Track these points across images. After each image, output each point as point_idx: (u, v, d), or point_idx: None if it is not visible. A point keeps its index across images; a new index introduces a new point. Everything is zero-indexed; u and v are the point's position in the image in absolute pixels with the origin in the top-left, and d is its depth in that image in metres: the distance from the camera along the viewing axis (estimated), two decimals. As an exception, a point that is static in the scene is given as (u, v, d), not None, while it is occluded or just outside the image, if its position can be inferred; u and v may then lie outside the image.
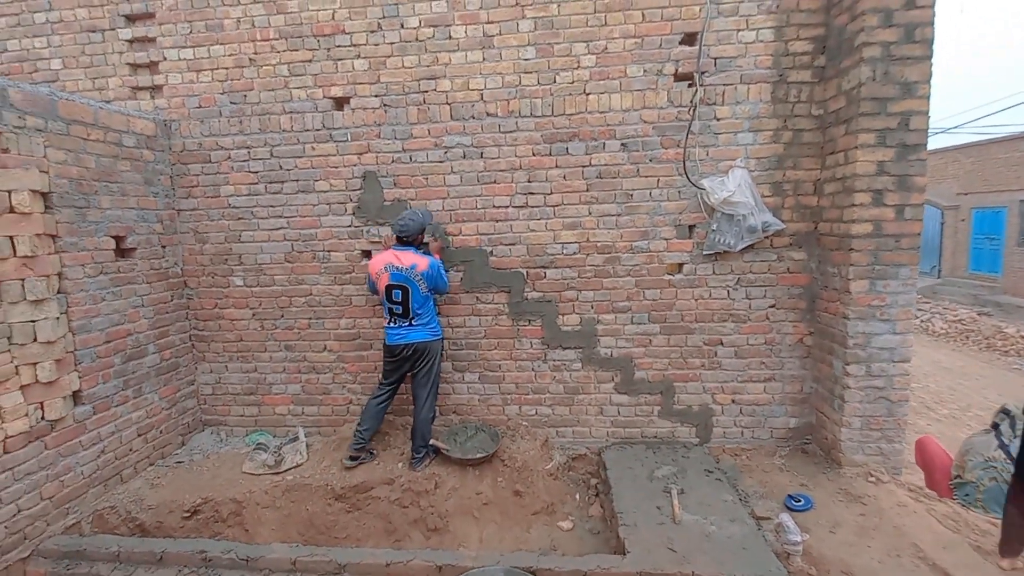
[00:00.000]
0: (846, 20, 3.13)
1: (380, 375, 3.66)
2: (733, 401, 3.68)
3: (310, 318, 3.95)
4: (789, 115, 3.41)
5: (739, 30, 3.38)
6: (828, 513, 2.99)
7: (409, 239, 3.37)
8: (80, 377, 3.13)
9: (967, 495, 3.09)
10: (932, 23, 2.97)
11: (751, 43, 3.39)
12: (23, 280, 2.80)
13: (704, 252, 3.54)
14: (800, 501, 3.03)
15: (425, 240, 3.56)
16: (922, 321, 10.83)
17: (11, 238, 2.75)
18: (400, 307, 3.35)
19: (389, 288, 3.33)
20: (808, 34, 3.35)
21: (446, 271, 3.52)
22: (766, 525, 2.89)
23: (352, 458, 3.51)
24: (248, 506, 3.35)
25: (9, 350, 2.76)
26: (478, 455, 3.50)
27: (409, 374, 3.55)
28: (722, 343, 3.63)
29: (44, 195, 2.93)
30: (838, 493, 3.15)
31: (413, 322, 3.39)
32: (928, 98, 3.02)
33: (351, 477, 3.47)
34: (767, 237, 3.46)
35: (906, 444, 3.37)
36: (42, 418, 2.92)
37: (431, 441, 3.58)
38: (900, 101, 3.02)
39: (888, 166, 3.06)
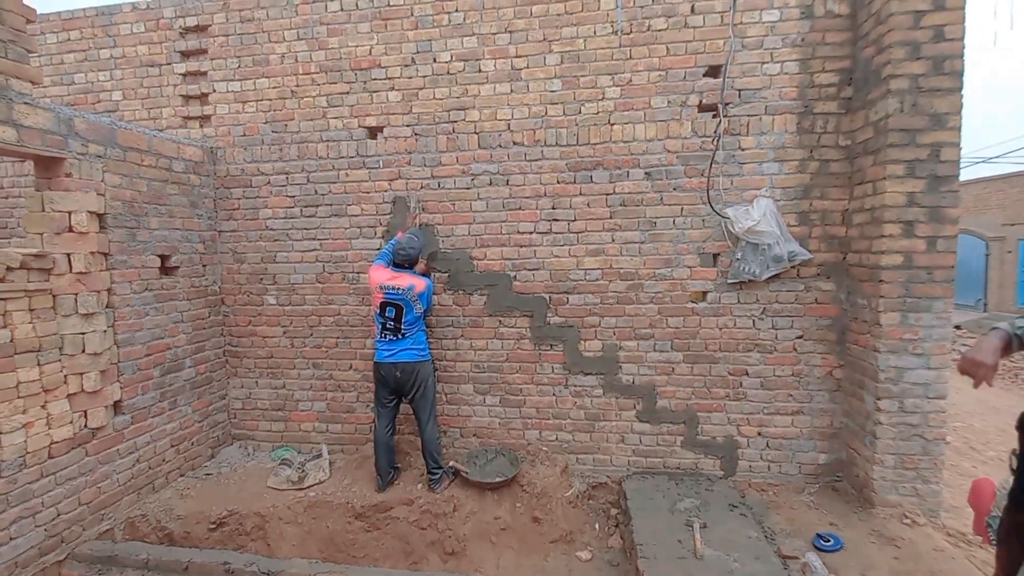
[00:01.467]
0: (873, 52, 3.14)
1: (376, 403, 3.62)
2: (759, 434, 3.59)
3: (338, 337, 4.07)
4: (815, 145, 3.41)
5: (763, 63, 3.42)
6: (859, 555, 2.86)
7: (410, 264, 3.49)
8: (121, 388, 3.30)
9: (992, 534, 2.92)
10: (961, 55, 2.95)
11: (776, 75, 3.42)
12: (76, 295, 2.99)
13: (729, 281, 3.52)
14: (829, 541, 2.91)
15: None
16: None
17: (68, 255, 2.96)
18: (393, 323, 3.44)
19: (384, 305, 3.43)
20: (834, 66, 3.37)
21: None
22: (792, 565, 2.79)
23: (380, 491, 3.56)
24: (271, 520, 3.42)
25: (60, 360, 2.94)
26: (497, 479, 3.50)
27: (408, 400, 3.58)
28: (747, 373, 3.57)
29: (100, 216, 3.16)
30: (870, 534, 3.02)
31: (403, 336, 3.45)
32: (959, 129, 2.98)
33: (371, 496, 3.52)
34: (794, 267, 3.42)
35: (944, 485, 3.22)
36: (85, 426, 3.08)
37: (451, 463, 3.60)
38: (930, 132, 2.99)
39: (919, 197, 3.01)
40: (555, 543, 3.36)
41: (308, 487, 3.66)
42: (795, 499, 3.44)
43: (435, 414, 3.61)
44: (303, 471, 3.76)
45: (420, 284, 3.43)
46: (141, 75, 4.20)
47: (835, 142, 3.40)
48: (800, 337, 3.50)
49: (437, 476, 3.52)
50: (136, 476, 3.43)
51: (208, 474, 3.90)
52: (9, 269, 2.68)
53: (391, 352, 3.47)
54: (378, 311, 3.48)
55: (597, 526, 3.50)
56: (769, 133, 3.44)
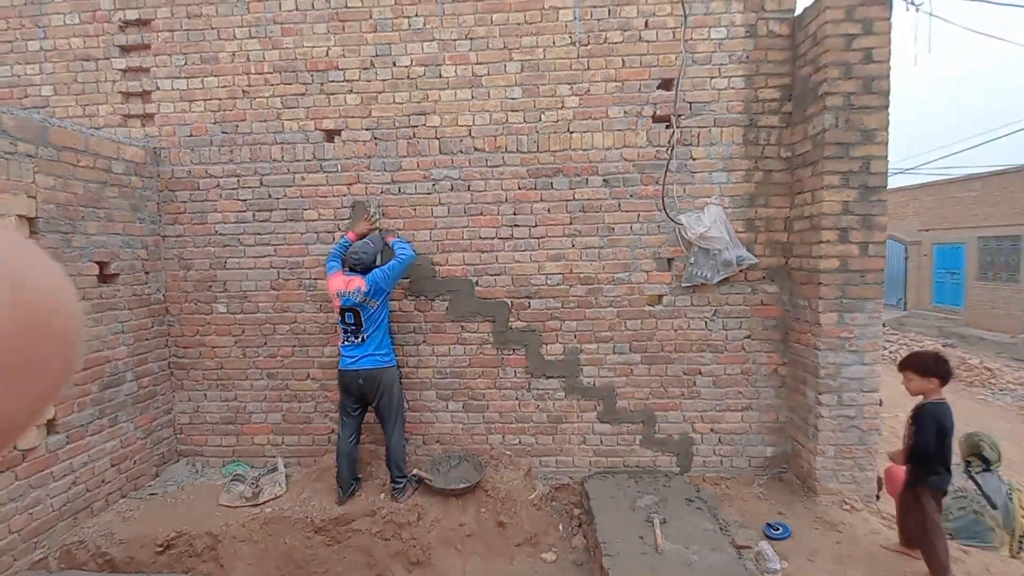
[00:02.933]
0: (810, 71, 3.38)
1: (341, 411, 3.57)
2: (712, 430, 3.76)
3: (294, 346, 3.94)
4: (760, 156, 3.63)
5: (712, 77, 3.61)
6: (805, 541, 3.05)
7: (363, 270, 3.42)
8: (55, 406, 3.06)
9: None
10: (887, 76, 3.23)
11: (723, 89, 3.61)
12: (3, 305, 2.76)
13: (683, 284, 3.68)
14: (778, 530, 3.09)
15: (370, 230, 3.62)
16: (890, 352, 11.18)
17: (-6, 263, 2.72)
18: (353, 327, 3.40)
19: (343, 311, 3.40)
20: (776, 83, 3.60)
21: (404, 240, 3.58)
22: (746, 554, 2.94)
23: (341, 504, 3.45)
24: (224, 540, 3.27)
25: (-16, 377, 2.70)
26: (461, 485, 3.49)
27: (373, 408, 3.53)
28: (701, 373, 3.74)
29: (31, 220, 2.93)
30: (814, 521, 3.23)
31: (364, 341, 3.39)
32: (886, 144, 3.26)
33: (332, 509, 3.42)
34: (741, 271, 3.62)
35: (877, 472, 3.48)
36: (14, 448, 2.84)
37: (414, 471, 3.57)
38: (861, 146, 3.25)
39: (852, 206, 3.26)
40: (520, 546, 3.38)
41: (263, 503, 3.52)
42: (746, 491, 3.62)
43: (401, 422, 3.56)
44: (257, 486, 3.61)
45: (362, 283, 3.33)
46: (75, 69, 3.93)
47: (777, 154, 3.63)
48: (748, 337, 3.70)
49: (401, 485, 3.47)
50: (72, 500, 3.19)
51: (153, 494, 3.67)
52: (-76, 278, 2.44)
53: (353, 359, 3.41)
54: (340, 318, 3.42)
55: (561, 527, 3.55)
56: (718, 144, 3.62)
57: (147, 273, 3.78)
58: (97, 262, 3.36)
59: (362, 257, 3.41)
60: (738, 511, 3.40)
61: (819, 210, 3.28)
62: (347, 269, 3.46)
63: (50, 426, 3.06)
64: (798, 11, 3.58)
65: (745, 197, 3.64)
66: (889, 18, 3.23)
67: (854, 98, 3.24)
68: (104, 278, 3.43)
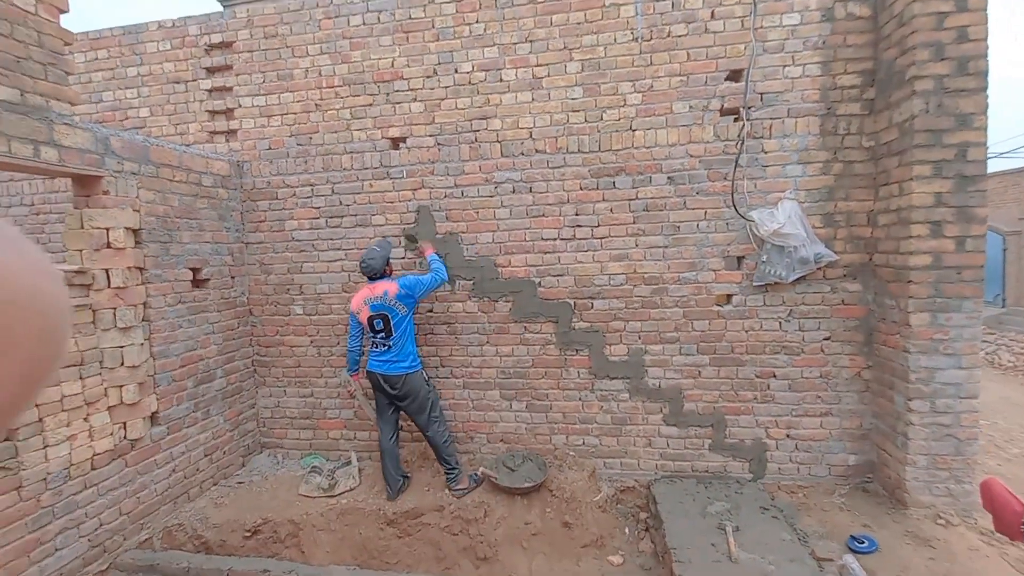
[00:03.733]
0: (895, 54, 3.15)
1: (377, 411, 3.73)
2: (788, 436, 3.59)
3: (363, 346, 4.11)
4: (839, 147, 3.42)
5: (785, 66, 3.44)
6: (895, 556, 2.86)
7: (377, 275, 3.52)
8: (158, 399, 3.37)
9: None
10: (985, 56, 2.95)
11: (797, 78, 3.44)
12: (115, 309, 3.06)
13: (754, 283, 3.53)
14: (864, 543, 2.91)
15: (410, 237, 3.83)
16: (987, 354, 10.21)
17: (107, 271, 3.03)
18: (383, 333, 3.50)
19: (371, 319, 3.49)
20: (856, 68, 3.38)
21: (441, 259, 3.69)
22: (828, 567, 2.79)
23: (391, 499, 3.59)
24: (305, 528, 3.47)
25: (100, 373, 3.01)
26: (527, 484, 3.53)
27: (403, 410, 3.65)
28: (775, 376, 3.58)
29: (135, 231, 3.23)
30: (905, 535, 3.01)
31: (391, 347, 3.51)
32: (985, 129, 2.98)
33: (402, 503, 3.55)
34: (819, 268, 3.43)
35: (975, 485, 3.20)
36: (124, 437, 3.15)
37: (480, 469, 3.64)
38: (956, 132, 2.99)
39: (946, 197, 3.01)
40: (586, 548, 3.37)
41: (339, 494, 3.71)
42: (826, 501, 3.43)
43: (436, 418, 3.65)
44: (333, 478, 3.80)
45: (392, 287, 3.46)
46: (168, 92, 4.29)
47: (859, 143, 3.41)
48: (827, 338, 3.50)
49: (453, 475, 3.59)
50: (172, 486, 3.49)
51: (240, 482, 3.95)
52: (53, 285, 2.75)
53: (379, 363, 3.55)
54: (368, 328, 3.54)
55: (627, 530, 3.51)
56: (792, 136, 3.45)
57: (233, 278, 4.07)
58: (191, 268, 3.65)
59: (370, 263, 3.51)
60: (818, 522, 3.23)
61: (908, 202, 3.05)
62: (368, 280, 3.57)
63: (154, 418, 3.36)
64: (881, -10, 3.34)
65: (823, 191, 3.44)
66: (986, -8, 2.96)
67: (947, 81, 2.99)
68: (197, 283, 3.73)
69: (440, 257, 3.73)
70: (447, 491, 3.60)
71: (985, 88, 2.97)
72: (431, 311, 3.97)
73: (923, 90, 2.99)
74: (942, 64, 2.98)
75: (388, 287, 3.47)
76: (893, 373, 3.26)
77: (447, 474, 3.61)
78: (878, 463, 3.47)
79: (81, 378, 2.89)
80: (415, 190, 3.94)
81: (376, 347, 3.57)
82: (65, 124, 2.81)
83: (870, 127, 3.38)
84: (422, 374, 3.65)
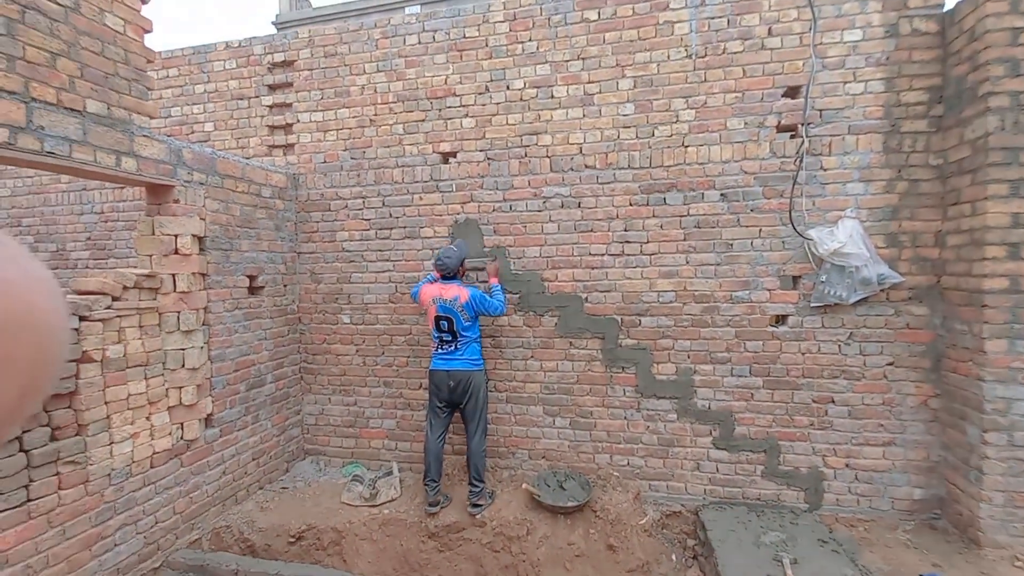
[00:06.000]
0: (966, 70, 3.04)
1: (429, 412, 3.69)
2: (847, 465, 3.42)
3: (408, 356, 4.15)
4: (904, 165, 3.30)
5: (846, 82, 3.36)
6: (971, 601, 2.66)
7: (450, 274, 3.56)
8: (213, 402, 3.46)
9: None
10: (1067, 71, 2.82)
11: (859, 95, 3.35)
12: (179, 313, 3.19)
13: (812, 304, 3.41)
14: (936, 584, 2.72)
15: (475, 268, 3.82)
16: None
17: (173, 276, 3.16)
18: (448, 334, 3.54)
19: (437, 319, 3.54)
20: (922, 84, 3.27)
21: (503, 291, 3.68)
22: (897, 608, 2.62)
23: (432, 504, 3.55)
24: (347, 536, 3.48)
25: (163, 374, 3.12)
26: (570, 503, 3.46)
27: (459, 409, 3.63)
28: (833, 401, 3.42)
29: (200, 239, 3.37)
30: (980, 578, 2.81)
31: (458, 346, 3.54)
32: (1067, 147, 2.83)
33: (444, 516, 3.53)
34: (883, 290, 3.29)
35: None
36: (181, 438, 3.24)
37: (523, 486, 3.59)
38: (1035, 150, 2.85)
39: (1024, 218, 2.86)
40: (631, 573, 3.27)
41: (381, 504, 3.71)
42: (889, 536, 3.23)
43: (484, 426, 3.64)
44: (375, 488, 3.81)
45: (464, 295, 3.49)
46: (231, 108, 4.50)
47: (925, 161, 3.28)
48: (891, 364, 3.34)
49: (479, 489, 3.53)
50: (222, 488, 3.57)
51: (284, 488, 4.01)
52: (124, 288, 2.88)
53: (445, 361, 3.57)
54: (434, 325, 3.58)
55: (674, 557, 3.39)
56: (853, 153, 3.35)
57: (285, 286, 4.19)
58: (248, 275, 3.77)
59: (445, 262, 3.55)
60: (881, 558, 3.04)
61: (982, 223, 2.91)
62: (442, 279, 3.62)
63: (208, 420, 3.46)
64: (948, 6, 3.25)
65: (886, 209, 3.32)
66: (1066, 6, 2.83)
67: (1023, 97, 2.86)
68: (252, 290, 3.85)
69: (503, 288, 3.73)
70: (468, 505, 3.55)
71: (1066, 104, 2.82)
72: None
73: (998, 107, 2.87)
74: (1018, 80, 2.86)
75: (460, 292, 3.51)
76: (965, 403, 3.07)
77: (472, 487, 3.56)
78: (947, 498, 3.26)
79: (146, 378, 3.01)
80: (464, 203, 3.99)
81: (441, 348, 3.60)
82: (144, 136, 2.97)
83: (937, 144, 3.26)
84: (485, 375, 3.68)
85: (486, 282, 3.78)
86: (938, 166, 3.26)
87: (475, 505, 3.52)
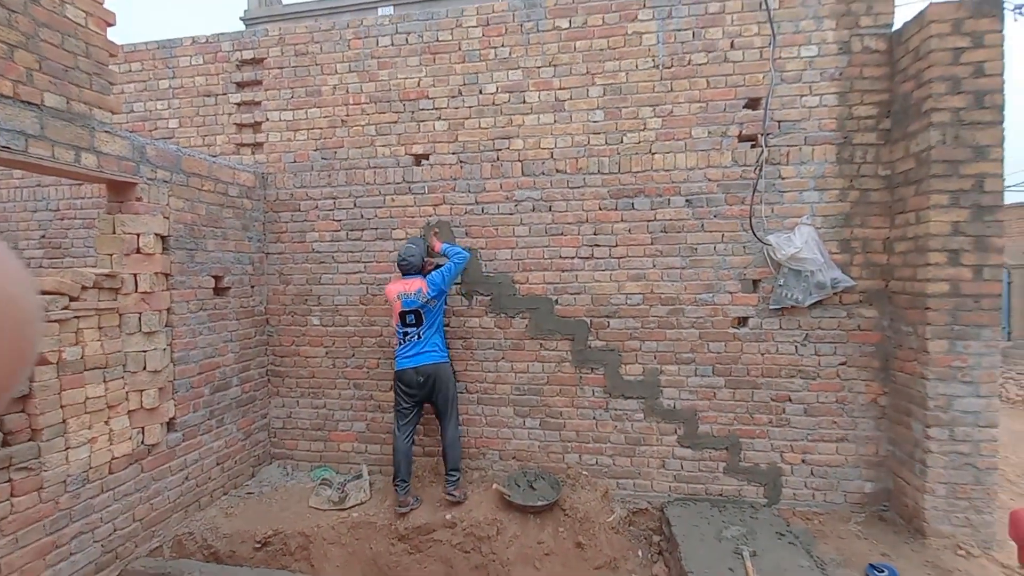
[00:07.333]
0: (912, 87, 3.24)
1: (396, 414, 3.70)
2: (803, 461, 3.57)
3: (379, 358, 4.13)
4: (855, 175, 3.49)
5: (802, 95, 3.53)
6: (916, 587, 2.82)
7: (414, 271, 3.63)
8: (176, 405, 3.38)
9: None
10: (1001, 90, 3.03)
11: (815, 107, 3.52)
12: (141, 313, 3.10)
13: (771, 307, 3.56)
14: (884, 572, 2.87)
15: (437, 266, 3.76)
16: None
17: (135, 276, 3.08)
18: (414, 328, 3.59)
19: (403, 314, 3.59)
20: (872, 99, 3.46)
21: (453, 244, 3.76)
22: (848, 595, 2.75)
23: (402, 505, 3.56)
24: (315, 540, 3.44)
25: (123, 377, 3.03)
26: (540, 503, 3.50)
27: (430, 403, 3.69)
28: (790, 399, 3.58)
29: (164, 238, 3.29)
30: (924, 565, 2.98)
31: (421, 336, 3.59)
32: (1001, 161, 3.05)
33: (414, 518, 3.53)
34: (836, 294, 3.46)
35: (996, 516, 3.17)
36: (142, 442, 3.15)
37: (493, 486, 3.62)
38: (973, 164, 3.05)
39: (963, 226, 3.06)
40: (599, 570, 3.33)
41: (350, 507, 3.68)
42: (842, 528, 3.40)
43: (457, 416, 3.75)
44: (344, 492, 3.77)
45: (425, 286, 3.55)
46: (197, 104, 4.40)
47: (875, 172, 3.47)
48: (843, 363, 3.51)
49: (455, 479, 3.64)
50: (184, 493, 3.48)
51: (250, 493, 3.93)
52: (83, 288, 2.80)
53: (411, 357, 3.60)
54: (399, 321, 3.62)
55: (640, 553, 3.47)
56: (809, 163, 3.52)
57: (252, 287, 4.12)
58: (213, 276, 3.70)
59: (409, 260, 3.61)
60: (835, 549, 3.19)
61: (925, 231, 3.10)
62: (403, 275, 3.67)
63: (171, 424, 3.37)
64: (896, 26, 3.45)
65: (839, 217, 3.50)
66: (1001, 30, 3.04)
67: (963, 114, 3.06)
68: (218, 291, 3.77)
69: (451, 242, 3.81)
70: (443, 494, 3.62)
71: (1001, 121, 3.04)
72: (447, 325, 3.99)
73: (940, 122, 3.07)
74: (959, 97, 3.06)
75: (420, 284, 3.56)
76: (910, 400, 3.26)
77: (448, 476, 3.65)
78: (895, 491, 3.45)
79: (105, 381, 2.92)
80: (436, 205, 4.01)
81: (406, 340, 3.61)
82: (106, 132, 2.89)
83: (886, 156, 3.46)
84: (451, 367, 3.75)
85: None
86: (886, 176, 3.45)
87: (451, 494, 3.56)
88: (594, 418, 3.84)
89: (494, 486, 3.61)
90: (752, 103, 3.59)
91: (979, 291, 3.06)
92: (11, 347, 0.35)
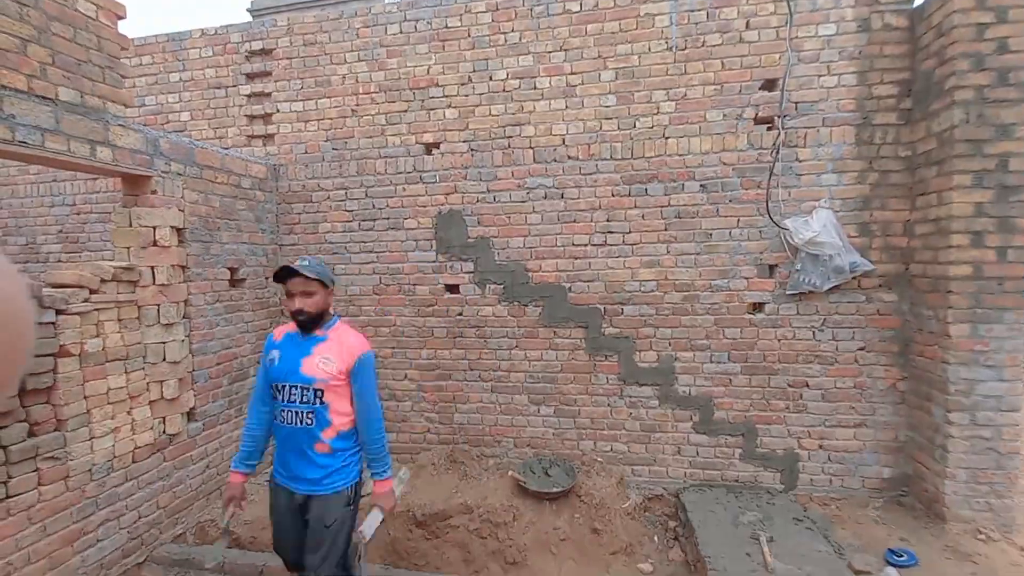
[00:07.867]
0: (934, 64, 3.15)
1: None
2: (821, 447, 3.55)
3: (393, 348, 4.16)
4: (875, 156, 3.41)
5: (820, 76, 3.45)
6: (935, 571, 2.81)
7: None
8: (195, 396, 3.42)
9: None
10: (1028, 66, 2.94)
11: (833, 88, 3.44)
12: (159, 305, 3.14)
13: (787, 292, 3.52)
14: (903, 556, 2.86)
15: None
16: (1013, 371, 9.97)
17: (152, 268, 3.11)
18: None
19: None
20: (892, 78, 3.38)
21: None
22: (867, 580, 2.75)
23: None
24: (334, 527, 3.48)
25: (143, 368, 3.07)
26: (555, 489, 3.52)
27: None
28: (808, 385, 3.55)
29: (179, 231, 3.31)
30: (944, 550, 2.96)
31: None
32: (1028, 139, 2.97)
33: (431, 505, 3.56)
34: (855, 278, 3.41)
35: (1017, 500, 3.14)
36: (164, 432, 3.20)
37: (509, 473, 3.64)
38: (997, 143, 2.97)
39: (987, 207, 2.99)
40: (615, 555, 3.35)
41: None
42: (860, 514, 3.38)
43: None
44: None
45: None
46: (208, 96, 4.41)
47: (895, 153, 3.40)
48: (862, 349, 3.47)
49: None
50: (206, 481, 3.54)
51: (268, 480, 3.98)
52: (102, 281, 2.83)
53: None
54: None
55: (656, 539, 3.48)
56: (827, 145, 3.45)
57: (267, 278, 4.14)
58: (229, 268, 3.72)
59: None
60: (852, 534, 3.18)
61: (947, 212, 3.04)
62: None
63: (191, 414, 3.42)
64: (917, 2, 3.35)
65: (858, 200, 3.43)
66: (1027, 4, 2.95)
67: (987, 91, 2.98)
68: (234, 283, 3.80)
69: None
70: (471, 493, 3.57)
71: (1028, 98, 2.95)
72: (460, 315, 4.00)
73: (963, 100, 2.98)
74: (983, 75, 2.98)
75: None
76: (931, 385, 3.21)
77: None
78: (914, 476, 3.42)
79: (126, 372, 2.96)
80: (447, 194, 4.00)
81: None
82: (120, 125, 2.90)
83: (907, 137, 3.38)
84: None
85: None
86: (907, 158, 3.38)
87: None
88: (608, 405, 3.84)
89: (510, 473, 3.63)
90: (768, 84, 3.52)
91: (1003, 273, 3.00)
92: (7, 345, 0.36)
